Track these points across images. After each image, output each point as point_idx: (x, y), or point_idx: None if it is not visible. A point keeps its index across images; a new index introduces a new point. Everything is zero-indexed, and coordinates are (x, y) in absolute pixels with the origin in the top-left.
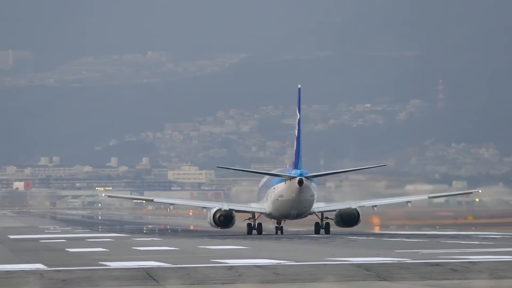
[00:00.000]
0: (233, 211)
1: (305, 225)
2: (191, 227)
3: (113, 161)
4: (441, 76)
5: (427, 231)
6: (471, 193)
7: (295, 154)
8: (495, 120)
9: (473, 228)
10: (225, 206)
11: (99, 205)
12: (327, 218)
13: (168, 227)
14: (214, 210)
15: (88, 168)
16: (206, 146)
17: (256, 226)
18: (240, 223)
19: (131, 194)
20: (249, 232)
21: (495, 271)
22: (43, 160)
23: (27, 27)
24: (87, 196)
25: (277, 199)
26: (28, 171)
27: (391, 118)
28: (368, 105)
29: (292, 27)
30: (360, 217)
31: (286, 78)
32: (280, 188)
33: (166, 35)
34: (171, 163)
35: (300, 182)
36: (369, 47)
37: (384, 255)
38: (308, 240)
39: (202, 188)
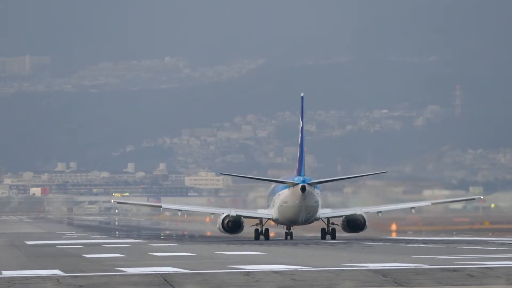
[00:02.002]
0: (242, 217)
1: (315, 230)
2: (208, 233)
3: (130, 166)
4: (459, 82)
5: (444, 236)
6: (473, 199)
7: (299, 161)
8: None
9: (490, 234)
10: (233, 212)
11: (116, 210)
12: (333, 223)
13: (185, 233)
14: (223, 216)
15: (105, 174)
16: (224, 151)
17: (264, 231)
18: (248, 229)
19: (148, 200)
20: (257, 237)
21: None
22: (60, 166)
23: (45, 33)
24: (104, 201)
25: (282, 205)
26: (45, 177)
27: (408, 123)
28: (385, 110)
29: (311, 33)
30: (366, 223)
31: (304, 83)
32: (284, 195)
33: (184, 40)
34: (188, 169)
35: (303, 189)
36: (387, 52)
37: (401, 261)
38: (325, 245)
39: (219, 194)
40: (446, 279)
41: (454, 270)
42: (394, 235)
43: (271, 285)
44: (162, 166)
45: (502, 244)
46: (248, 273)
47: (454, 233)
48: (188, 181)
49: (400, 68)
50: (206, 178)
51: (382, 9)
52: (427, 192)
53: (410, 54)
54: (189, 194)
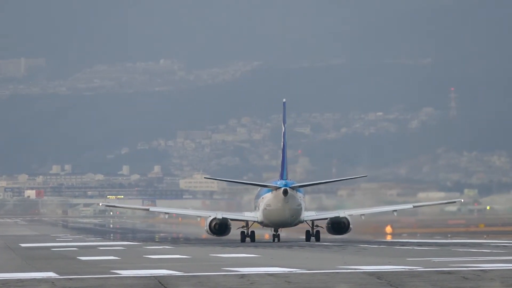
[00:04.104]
0: (228, 220)
1: (302, 233)
2: (203, 236)
3: (125, 169)
4: (454, 84)
5: (439, 239)
6: (454, 202)
7: (281, 165)
8: (508, 128)
9: (485, 236)
10: (219, 215)
11: (111, 213)
12: (317, 226)
13: (180, 235)
14: (210, 218)
15: (100, 177)
16: (218, 154)
17: (249, 234)
18: (236, 231)
19: (143, 203)
20: (243, 239)
21: (507, 279)
22: (55, 168)
23: (40, 35)
24: (102, 203)
25: (265, 208)
26: (40, 179)
27: (403, 126)
28: (380, 113)
29: (306, 35)
30: (351, 225)
31: (299, 86)
32: (268, 198)
33: (179, 43)
34: (183, 172)
35: (285, 192)
36: (383, 55)
37: (396, 263)
38: (320, 248)
39: (214, 196)
40: (441, 281)
41: (449, 272)
42: (389, 238)
43: (266, 287)
44: (157, 168)
45: (497, 247)
46: (243, 276)
47: (449, 235)
48: (183, 183)
49: (395, 70)
50: (201, 181)
51: (377, 12)
52: (422, 194)
53: (404, 57)
54: (184, 196)
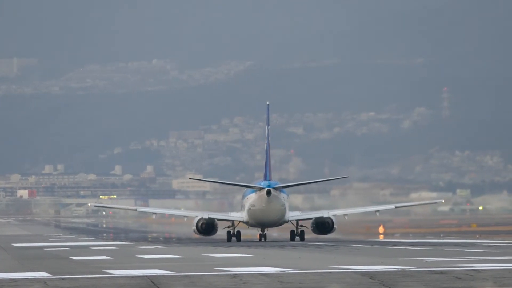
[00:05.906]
0: (215, 220)
1: (288, 232)
2: (196, 236)
3: (118, 169)
4: (447, 84)
5: (431, 239)
6: (435, 202)
7: (265, 166)
8: (501, 128)
9: (477, 236)
10: (205, 215)
11: (104, 213)
12: (302, 226)
13: (172, 235)
14: (197, 218)
15: (92, 176)
16: (211, 154)
17: (235, 233)
18: (222, 231)
19: (135, 202)
20: (229, 239)
21: (499, 279)
22: (48, 168)
23: (32, 35)
24: (91, 204)
25: (250, 209)
26: (32, 179)
27: (395, 126)
28: (373, 113)
29: (299, 35)
30: (335, 225)
31: (291, 86)
32: (252, 198)
33: (171, 42)
34: (176, 172)
35: (268, 193)
36: (375, 55)
37: (388, 263)
38: (312, 247)
39: (206, 196)
40: (434, 281)
41: (442, 272)
42: (381, 238)
43: (258, 287)
44: (149, 168)
45: (489, 247)
46: (235, 276)
47: (442, 235)
48: (176, 183)
49: (387, 70)
50: (193, 181)
51: (369, 12)
52: (414, 195)
53: (396, 57)
54: (176, 196)
